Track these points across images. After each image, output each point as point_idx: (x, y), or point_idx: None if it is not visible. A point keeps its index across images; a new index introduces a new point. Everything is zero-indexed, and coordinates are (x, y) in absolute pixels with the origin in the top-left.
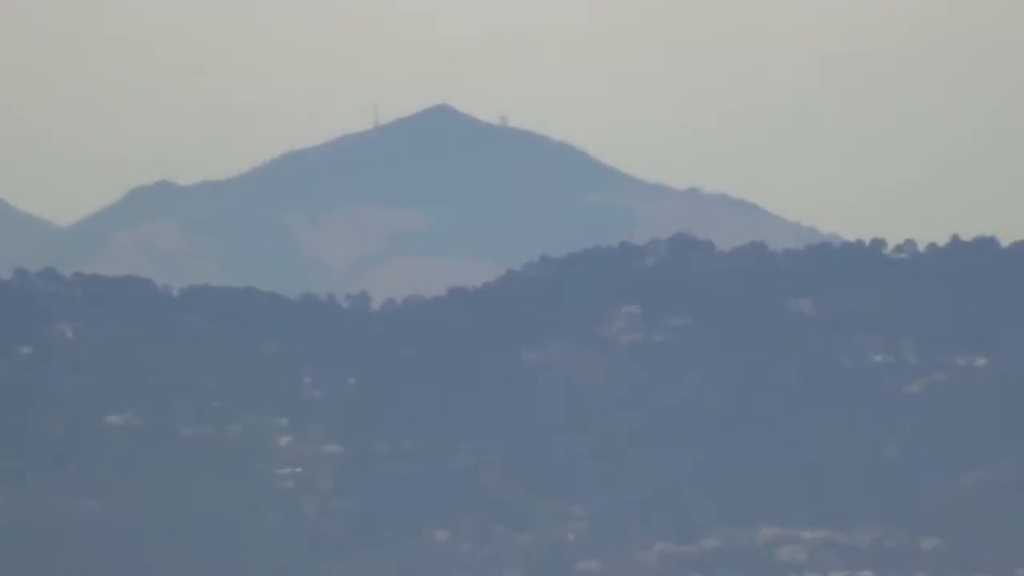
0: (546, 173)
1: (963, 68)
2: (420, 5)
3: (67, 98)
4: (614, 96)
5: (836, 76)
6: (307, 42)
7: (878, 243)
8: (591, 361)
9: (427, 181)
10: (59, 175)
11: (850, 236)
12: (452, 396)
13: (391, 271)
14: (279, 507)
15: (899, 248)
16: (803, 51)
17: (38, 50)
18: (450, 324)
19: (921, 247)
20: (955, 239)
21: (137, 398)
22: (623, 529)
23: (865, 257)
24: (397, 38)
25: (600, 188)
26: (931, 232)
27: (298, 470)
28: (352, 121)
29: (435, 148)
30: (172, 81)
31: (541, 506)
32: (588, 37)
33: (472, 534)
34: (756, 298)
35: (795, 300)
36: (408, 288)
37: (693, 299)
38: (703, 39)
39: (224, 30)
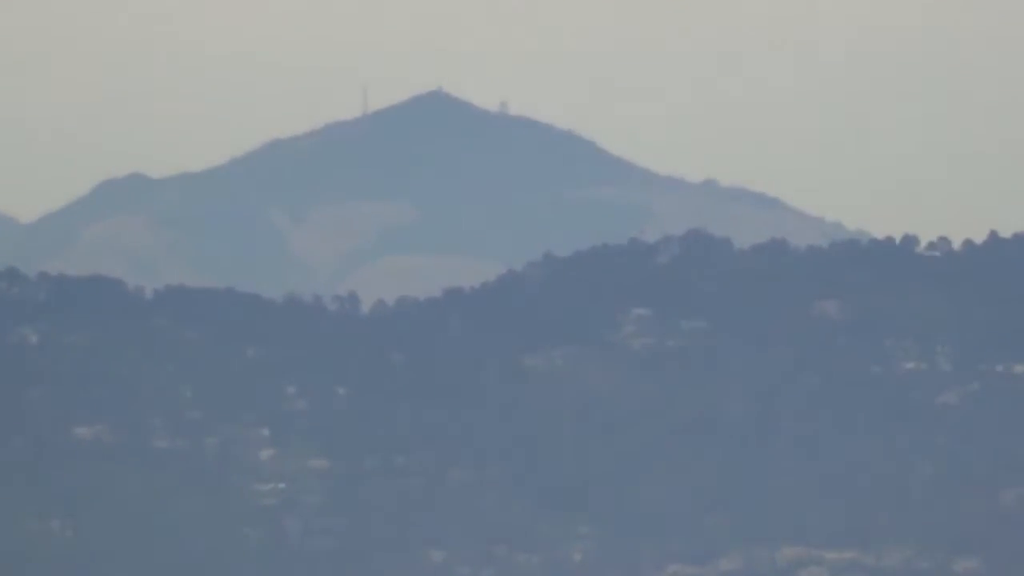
0: (550, 165)
1: (1001, 56)
2: None
3: (31, 84)
4: (623, 82)
5: (863, 62)
6: (291, 23)
7: (909, 240)
8: (599, 368)
9: (420, 173)
10: (22, 167)
11: (879, 233)
12: (448, 406)
13: (382, 270)
14: (260, 526)
15: (932, 246)
16: (830, 35)
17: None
18: (446, 328)
19: (956, 244)
20: (992, 236)
21: (107, 409)
22: (633, 549)
23: (895, 255)
24: (387, 18)
25: (608, 181)
26: (966, 228)
27: (281, 486)
28: (339, 108)
29: (429, 137)
30: (145, 65)
31: (545, 525)
32: (594, 17)
33: (470, 555)
34: (777, 300)
35: (820, 302)
36: (400, 289)
37: (709, 301)
38: (721, 23)
39: (202, 10)
